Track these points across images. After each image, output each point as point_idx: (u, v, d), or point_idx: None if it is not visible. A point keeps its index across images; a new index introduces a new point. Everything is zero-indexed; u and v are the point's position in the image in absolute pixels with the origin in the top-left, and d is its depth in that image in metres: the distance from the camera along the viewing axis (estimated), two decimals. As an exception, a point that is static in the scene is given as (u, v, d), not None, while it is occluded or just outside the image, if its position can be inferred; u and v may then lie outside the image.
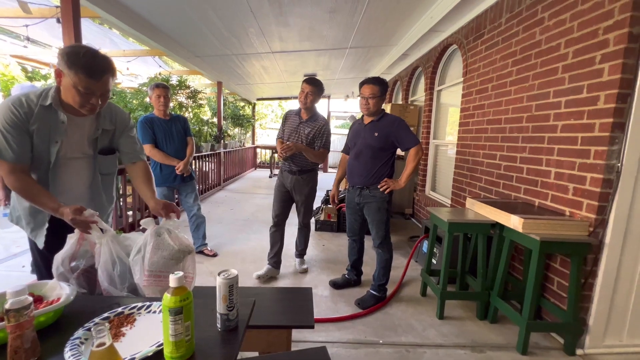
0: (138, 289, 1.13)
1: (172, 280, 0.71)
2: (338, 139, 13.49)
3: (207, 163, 5.80)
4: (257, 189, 6.70)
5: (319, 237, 3.66)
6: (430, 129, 4.28)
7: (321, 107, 11.54)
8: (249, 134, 10.55)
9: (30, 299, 0.71)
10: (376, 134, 2.15)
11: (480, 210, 2.12)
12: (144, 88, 4.50)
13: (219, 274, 0.83)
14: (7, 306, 0.68)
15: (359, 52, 4.70)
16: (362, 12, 3.16)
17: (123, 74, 6.01)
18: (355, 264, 2.50)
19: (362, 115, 2.29)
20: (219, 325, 0.85)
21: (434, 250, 2.56)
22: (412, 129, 4.23)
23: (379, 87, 2.10)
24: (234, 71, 5.85)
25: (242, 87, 7.66)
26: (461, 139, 3.17)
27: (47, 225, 1.31)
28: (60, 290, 0.91)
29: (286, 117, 2.58)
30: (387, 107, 4.44)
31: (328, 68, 5.78)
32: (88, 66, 1.11)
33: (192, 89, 5.06)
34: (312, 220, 4.01)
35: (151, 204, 1.32)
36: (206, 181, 5.83)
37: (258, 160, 10.63)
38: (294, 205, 2.64)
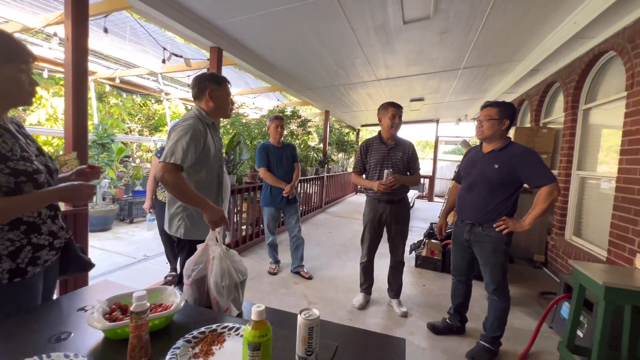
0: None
1: (254, 313, 0.70)
2: (447, 165, 12.40)
3: (311, 186, 6.18)
4: (356, 214, 6.69)
5: (419, 275, 3.31)
6: (572, 157, 3.42)
7: (430, 131, 10.91)
8: (352, 159, 10.83)
9: (148, 304, 0.82)
10: (496, 166, 1.83)
11: (663, 275, 1.48)
12: (264, 119, 5.21)
13: (300, 312, 0.79)
14: (132, 309, 0.80)
15: (475, 71, 4.25)
16: (479, 28, 2.86)
17: (250, 108, 7.17)
18: (459, 308, 2.15)
19: (481, 143, 2.00)
20: (297, 368, 0.79)
21: (581, 319, 1.92)
22: (544, 157, 3.49)
23: (496, 109, 1.84)
24: (341, 100, 6.17)
25: (347, 115, 8.00)
26: (624, 172, 2.38)
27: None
28: (175, 298, 1.04)
29: (367, 147, 2.50)
30: (510, 132, 3.80)
31: (437, 91, 5.45)
32: (224, 78, 1.58)
33: (303, 118, 5.57)
34: (412, 255, 3.70)
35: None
36: (309, 203, 6.18)
37: (359, 185, 10.68)
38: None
